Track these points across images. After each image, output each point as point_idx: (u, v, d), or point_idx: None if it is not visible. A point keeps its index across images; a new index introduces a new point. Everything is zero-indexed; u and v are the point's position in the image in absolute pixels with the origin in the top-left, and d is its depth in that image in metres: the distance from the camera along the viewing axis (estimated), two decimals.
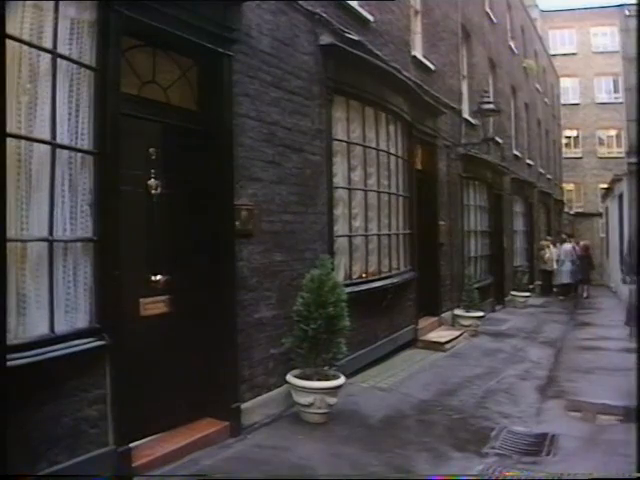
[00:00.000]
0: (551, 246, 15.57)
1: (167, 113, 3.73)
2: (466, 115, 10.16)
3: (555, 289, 15.08)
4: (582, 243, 16.68)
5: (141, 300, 3.50)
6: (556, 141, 23.66)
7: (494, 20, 12.72)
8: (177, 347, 3.67)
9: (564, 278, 14.65)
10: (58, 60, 2.80)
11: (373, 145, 6.32)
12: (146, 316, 3.52)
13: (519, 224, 15.18)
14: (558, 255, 15.03)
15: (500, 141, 12.20)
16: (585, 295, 15.04)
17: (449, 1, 9.53)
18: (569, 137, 26.97)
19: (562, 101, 25.83)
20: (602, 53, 25.94)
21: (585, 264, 15.18)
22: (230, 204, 3.95)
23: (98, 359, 2.94)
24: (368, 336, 5.90)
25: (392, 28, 7.00)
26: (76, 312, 2.90)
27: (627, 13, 14.21)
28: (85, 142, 2.96)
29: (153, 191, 3.60)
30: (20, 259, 2.66)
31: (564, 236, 16.78)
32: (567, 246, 15.17)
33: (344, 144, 5.74)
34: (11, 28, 2.55)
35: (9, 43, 2.51)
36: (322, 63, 5.24)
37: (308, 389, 4.19)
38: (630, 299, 5.84)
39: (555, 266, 15.01)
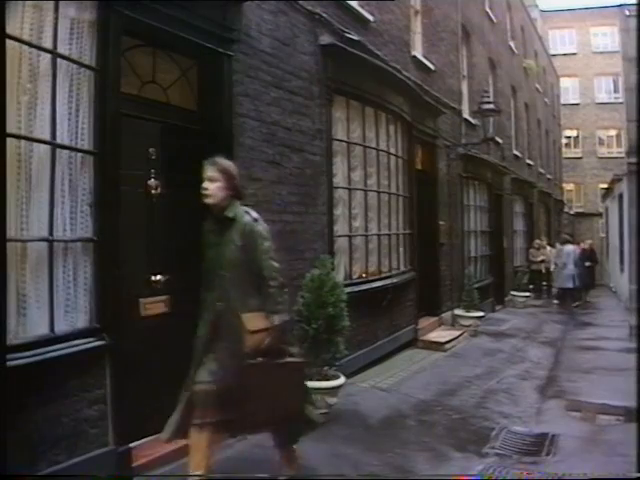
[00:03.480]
0: (547, 247, 15.11)
1: (167, 113, 3.73)
2: (466, 115, 10.16)
3: (553, 290, 14.56)
4: (587, 243, 16.21)
5: (141, 300, 3.49)
6: (556, 141, 23.67)
7: (494, 20, 12.72)
8: (177, 347, 3.66)
9: (566, 282, 12.35)
10: (58, 60, 2.80)
11: (373, 145, 6.32)
12: (146, 316, 3.52)
13: (519, 224, 15.13)
14: (558, 256, 13.47)
15: (500, 141, 12.19)
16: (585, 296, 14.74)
17: (449, 1, 9.54)
18: (569, 137, 26.98)
19: (562, 101, 25.84)
20: (602, 53, 25.96)
21: (592, 267, 14.76)
22: None
23: (98, 359, 2.94)
24: (368, 336, 5.89)
25: (392, 28, 7.00)
26: (76, 312, 2.91)
27: (627, 13, 14.20)
28: (85, 142, 2.96)
29: (153, 191, 3.59)
30: (20, 259, 2.65)
31: (566, 236, 14.91)
32: (569, 247, 13.22)
33: (344, 144, 5.74)
34: (11, 28, 2.55)
35: (9, 43, 2.50)
36: (322, 63, 5.24)
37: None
38: None
39: (552, 268, 14.12)
